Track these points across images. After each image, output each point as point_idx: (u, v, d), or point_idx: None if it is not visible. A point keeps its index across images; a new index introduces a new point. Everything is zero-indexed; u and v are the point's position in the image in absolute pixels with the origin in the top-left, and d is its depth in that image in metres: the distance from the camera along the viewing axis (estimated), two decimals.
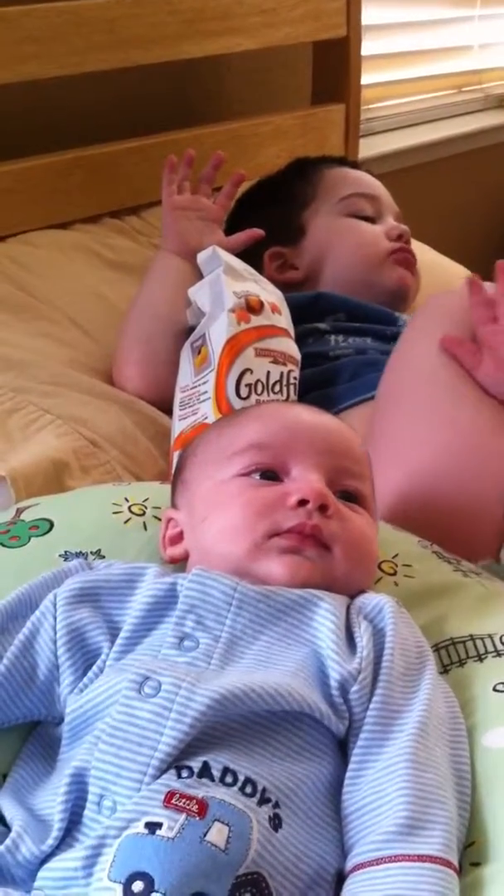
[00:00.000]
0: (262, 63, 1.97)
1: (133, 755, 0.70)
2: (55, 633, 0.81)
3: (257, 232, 1.53)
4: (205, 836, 0.65)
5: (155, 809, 0.66)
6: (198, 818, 0.66)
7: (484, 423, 1.12)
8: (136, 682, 0.74)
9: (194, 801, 0.66)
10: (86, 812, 0.71)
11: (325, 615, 0.80)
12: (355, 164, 1.75)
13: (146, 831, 0.65)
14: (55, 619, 0.82)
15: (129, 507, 1.00)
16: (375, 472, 0.95)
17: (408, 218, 1.69)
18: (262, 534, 0.83)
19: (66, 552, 0.94)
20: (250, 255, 1.47)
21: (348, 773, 0.74)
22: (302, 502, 0.84)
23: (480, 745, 0.80)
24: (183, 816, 0.66)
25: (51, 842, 0.70)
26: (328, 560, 0.84)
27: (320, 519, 0.84)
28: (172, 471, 1.06)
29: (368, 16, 2.07)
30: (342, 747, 0.77)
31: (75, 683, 0.80)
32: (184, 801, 0.66)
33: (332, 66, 1.97)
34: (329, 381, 1.38)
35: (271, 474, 0.87)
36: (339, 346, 1.44)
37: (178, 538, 0.91)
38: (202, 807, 0.66)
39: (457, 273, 1.91)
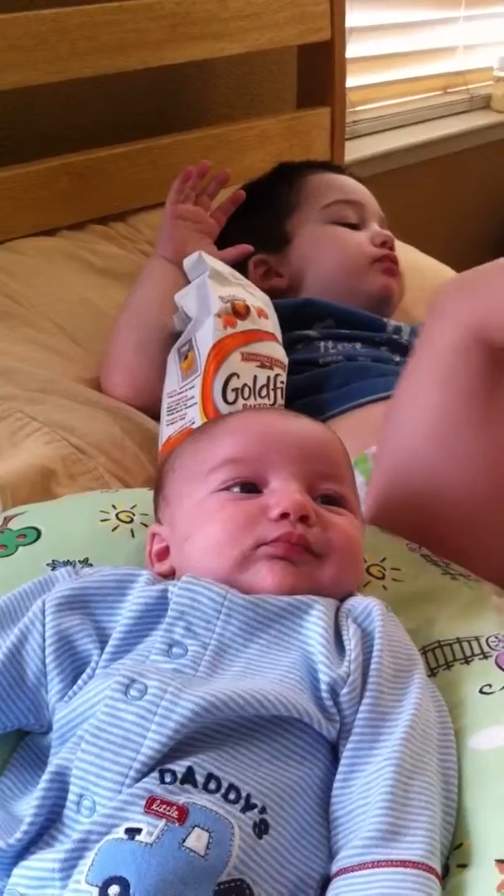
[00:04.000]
0: (247, 67, 1.98)
1: (115, 756, 0.71)
2: (44, 641, 0.81)
3: (246, 248, 1.54)
4: (183, 842, 0.65)
5: (136, 815, 0.67)
6: (177, 824, 0.66)
7: (494, 449, 1.07)
8: (122, 685, 0.74)
9: (174, 807, 0.67)
10: (65, 811, 0.71)
11: (316, 620, 0.80)
12: (339, 169, 1.75)
13: (126, 837, 0.66)
14: (44, 626, 0.82)
15: (117, 515, 1.00)
16: (375, 476, 0.95)
17: (394, 219, 1.69)
18: (250, 545, 0.84)
19: (53, 561, 0.94)
20: (235, 262, 1.47)
21: (337, 777, 0.75)
22: (284, 515, 0.84)
23: (468, 748, 0.80)
24: (162, 822, 0.66)
25: (19, 835, 0.70)
26: (315, 567, 0.84)
27: (304, 528, 0.84)
28: None
29: (353, 18, 2.07)
30: (335, 751, 0.77)
31: (64, 691, 0.80)
32: (164, 807, 0.67)
33: (317, 70, 1.97)
34: (318, 387, 1.38)
35: (250, 487, 0.88)
36: (329, 352, 1.44)
37: (165, 553, 0.91)
38: (182, 813, 0.66)
39: (443, 274, 1.92)
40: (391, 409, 1.15)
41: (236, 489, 0.87)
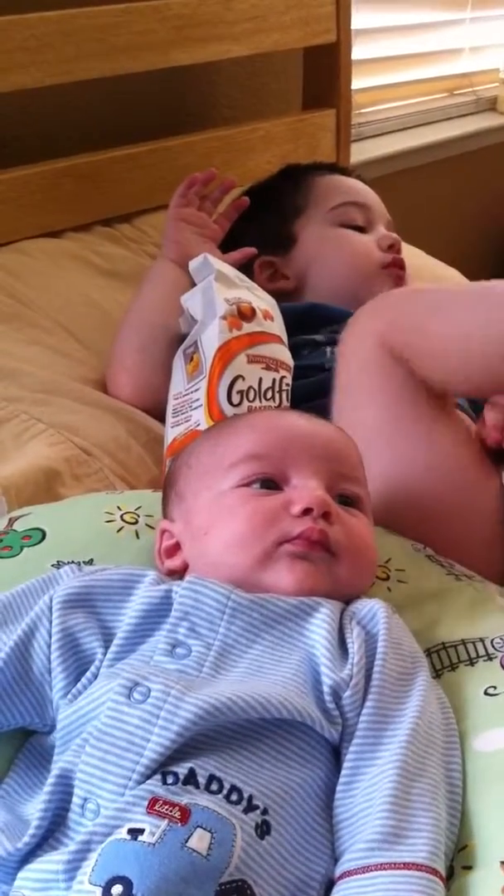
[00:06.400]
0: (253, 69, 1.97)
1: (119, 759, 0.71)
2: (50, 637, 0.82)
3: (250, 250, 1.54)
4: (186, 842, 0.65)
5: (138, 816, 0.67)
6: (180, 824, 0.66)
7: (435, 440, 1.11)
8: (125, 688, 0.74)
9: (177, 807, 0.67)
10: (69, 814, 0.71)
11: (320, 622, 0.80)
12: (346, 171, 1.74)
13: (129, 837, 0.66)
14: (51, 622, 0.82)
15: (122, 516, 1.00)
16: None
17: (400, 222, 1.69)
18: (272, 542, 0.84)
19: (58, 562, 0.93)
20: (239, 265, 1.47)
21: (341, 780, 0.75)
22: (306, 511, 0.84)
23: (472, 749, 0.80)
24: (165, 822, 0.66)
25: (27, 839, 0.70)
26: (333, 566, 0.85)
27: (325, 525, 0.85)
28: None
29: (358, 20, 2.07)
30: (336, 753, 0.77)
31: (67, 689, 0.80)
32: (166, 807, 0.67)
33: (323, 72, 1.97)
34: (324, 392, 1.38)
35: (271, 483, 0.88)
36: (335, 357, 1.44)
37: (175, 550, 0.91)
38: (185, 813, 0.67)
39: (449, 276, 1.92)
40: None
41: (257, 485, 0.88)
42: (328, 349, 1.45)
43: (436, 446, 1.09)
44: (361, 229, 1.61)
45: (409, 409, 1.10)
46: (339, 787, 0.74)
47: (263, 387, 1.25)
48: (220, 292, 1.29)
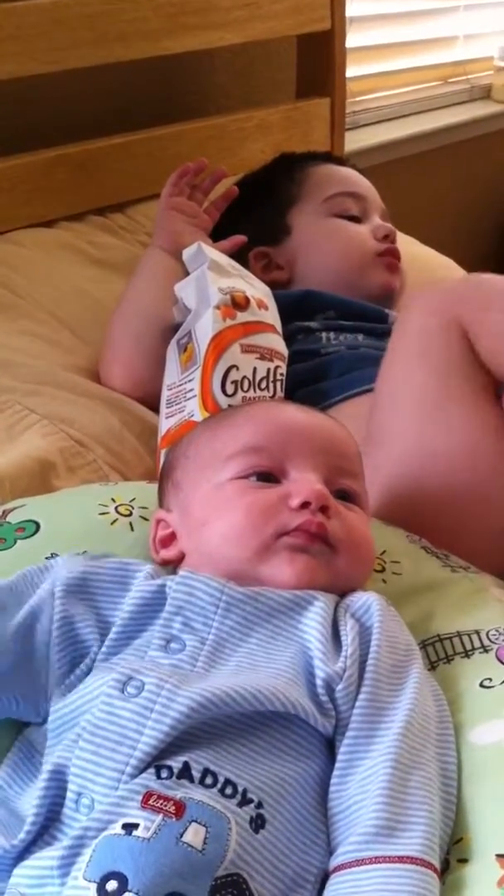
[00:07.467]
0: (246, 57, 1.97)
1: (112, 753, 0.71)
2: (51, 624, 0.81)
3: (240, 238, 1.53)
4: (181, 836, 0.65)
5: (132, 811, 0.67)
6: (174, 819, 0.66)
7: (478, 423, 1.11)
8: (119, 682, 0.74)
9: (171, 801, 0.67)
10: (64, 809, 0.71)
11: (314, 615, 0.80)
12: (341, 160, 1.74)
13: (123, 832, 0.66)
14: (52, 608, 0.82)
15: (116, 508, 1.00)
16: (368, 469, 0.96)
17: (394, 210, 1.69)
18: (271, 534, 0.84)
19: (52, 554, 0.93)
20: (235, 254, 1.47)
21: (335, 773, 0.75)
22: (304, 504, 0.84)
23: (467, 742, 0.80)
24: (159, 817, 0.66)
25: (22, 836, 0.70)
26: (332, 559, 0.85)
27: (323, 518, 0.85)
28: (159, 469, 1.06)
29: (353, 8, 2.06)
30: (331, 747, 0.77)
31: (62, 679, 0.80)
32: (161, 801, 0.67)
33: (317, 60, 1.96)
34: (320, 376, 1.38)
35: (268, 476, 0.88)
36: (331, 343, 1.44)
37: (170, 539, 0.91)
38: (179, 808, 0.66)
39: (444, 265, 1.91)
40: (376, 402, 1.18)
41: (254, 478, 0.88)
42: (323, 335, 1.45)
43: (477, 426, 1.09)
44: (356, 219, 1.60)
45: (461, 383, 1.10)
46: (333, 780, 0.74)
47: (258, 377, 1.25)
48: (213, 281, 1.28)
